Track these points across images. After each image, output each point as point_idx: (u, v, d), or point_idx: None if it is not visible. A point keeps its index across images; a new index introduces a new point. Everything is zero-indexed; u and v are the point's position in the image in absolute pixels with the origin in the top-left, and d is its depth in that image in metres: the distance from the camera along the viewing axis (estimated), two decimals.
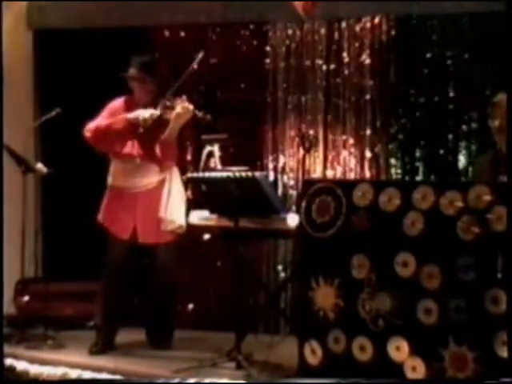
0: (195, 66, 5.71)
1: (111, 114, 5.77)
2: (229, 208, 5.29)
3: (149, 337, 5.96)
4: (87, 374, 5.25)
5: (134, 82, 5.78)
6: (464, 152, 6.17)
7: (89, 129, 5.71)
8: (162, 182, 5.73)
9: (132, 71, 5.76)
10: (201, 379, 4.90)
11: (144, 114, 5.64)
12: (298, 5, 5.89)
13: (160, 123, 5.64)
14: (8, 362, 5.42)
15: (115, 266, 5.73)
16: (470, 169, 6.12)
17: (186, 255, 6.64)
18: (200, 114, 5.62)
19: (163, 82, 5.80)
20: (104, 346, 5.70)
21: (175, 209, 5.69)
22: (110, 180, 5.83)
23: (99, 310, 5.86)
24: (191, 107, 5.59)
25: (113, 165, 5.82)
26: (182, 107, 5.56)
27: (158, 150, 5.67)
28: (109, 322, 5.79)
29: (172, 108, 5.60)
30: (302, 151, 6.52)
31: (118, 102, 5.84)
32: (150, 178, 5.73)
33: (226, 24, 6.70)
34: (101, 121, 5.74)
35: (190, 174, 5.65)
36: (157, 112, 5.62)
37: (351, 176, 6.39)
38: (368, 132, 6.39)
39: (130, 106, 5.80)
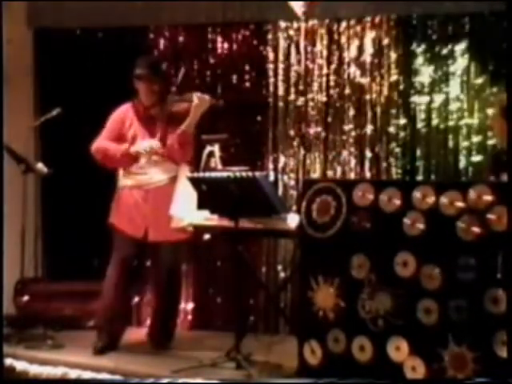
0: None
1: (118, 122, 5.78)
2: (229, 208, 5.28)
3: (149, 336, 5.95)
4: (87, 374, 5.25)
5: (140, 82, 5.78)
6: (464, 152, 6.17)
7: (97, 149, 5.75)
8: (172, 179, 5.73)
9: (139, 71, 5.76)
10: (199, 379, 4.91)
11: (146, 146, 5.68)
12: (297, 4, 5.89)
13: (173, 118, 5.66)
14: (8, 362, 5.42)
15: (125, 265, 5.71)
16: (471, 169, 6.13)
17: (187, 255, 6.65)
18: (219, 101, 5.68)
19: (168, 83, 5.82)
20: (108, 346, 5.68)
21: (186, 206, 5.68)
22: (120, 179, 5.84)
23: (104, 309, 5.82)
24: (208, 97, 5.64)
25: None
26: (199, 98, 5.60)
27: (175, 144, 5.67)
28: (115, 321, 5.77)
29: (187, 101, 5.62)
30: (302, 151, 6.54)
31: (124, 110, 5.84)
32: (162, 175, 5.74)
33: (225, 24, 6.70)
34: (106, 140, 5.76)
35: (189, 174, 5.66)
36: (158, 143, 5.67)
37: (351, 176, 6.39)
38: (368, 132, 6.39)
39: (138, 110, 5.81)
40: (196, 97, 5.62)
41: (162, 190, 5.71)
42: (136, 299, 6.58)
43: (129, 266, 5.74)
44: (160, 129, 5.70)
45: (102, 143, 5.77)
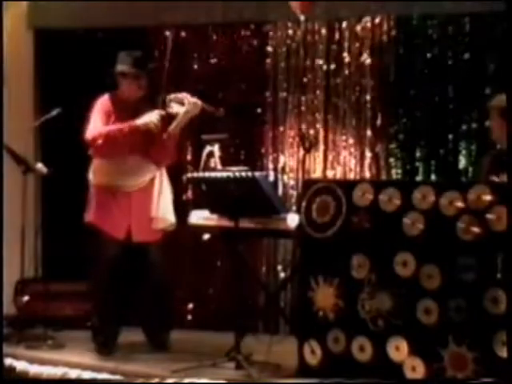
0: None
1: (105, 113, 5.71)
2: (229, 208, 5.28)
3: (146, 334, 5.92)
4: (87, 374, 5.25)
5: (125, 79, 5.72)
6: (464, 152, 6.17)
7: (98, 134, 5.61)
8: (152, 180, 5.70)
9: (124, 67, 5.70)
10: (199, 379, 4.91)
11: (152, 118, 5.58)
12: (295, 4, 5.89)
13: (165, 119, 5.64)
14: (8, 361, 5.42)
15: (110, 266, 5.68)
16: (471, 169, 6.13)
17: (186, 255, 6.65)
18: (211, 108, 5.62)
19: (153, 78, 5.77)
20: (107, 346, 5.68)
21: (167, 207, 5.68)
22: (97, 179, 5.75)
23: (95, 311, 5.80)
24: (200, 102, 5.59)
25: (101, 163, 5.73)
26: (190, 104, 5.56)
27: (161, 146, 5.64)
28: (108, 323, 5.76)
29: (178, 103, 5.59)
30: (302, 151, 6.53)
31: (105, 103, 5.76)
32: (144, 177, 5.69)
33: (226, 24, 6.70)
34: (101, 125, 5.64)
35: (190, 174, 5.65)
36: (162, 112, 5.59)
37: (351, 176, 6.39)
38: (368, 132, 6.39)
39: (116, 104, 5.74)
40: (187, 102, 5.56)
41: (144, 191, 5.67)
42: (133, 299, 6.56)
43: (114, 267, 5.69)
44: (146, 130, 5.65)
45: (99, 128, 5.62)
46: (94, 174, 5.78)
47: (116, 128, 5.61)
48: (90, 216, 5.78)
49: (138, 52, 5.78)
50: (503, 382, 4.30)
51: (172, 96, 5.62)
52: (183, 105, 5.58)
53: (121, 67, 5.73)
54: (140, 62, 5.74)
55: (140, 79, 5.72)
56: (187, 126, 5.71)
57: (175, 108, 5.61)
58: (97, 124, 5.68)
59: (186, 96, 5.61)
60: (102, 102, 5.76)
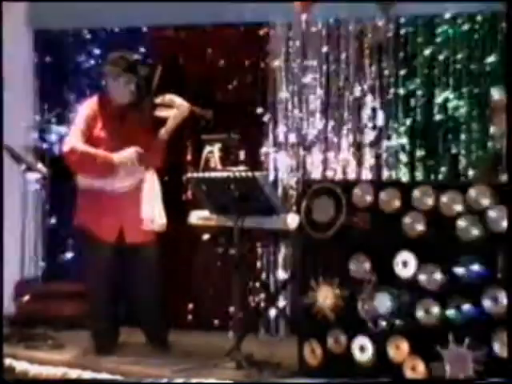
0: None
1: (90, 118, 5.66)
2: (229, 208, 5.29)
3: (146, 334, 5.91)
4: (87, 374, 5.25)
5: (115, 82, 5.68)
6: (464, 152, 6.17)
7: (72, 150, 5.56)
8: (141, 182, 5.67)
9: (116, 70, 5.65)
10: (207, 379, 4.91)
11: (128, 155, 5.54)
12: (295, 4, 5.89)
13: (153, 122, 5.62)
14: (8, 362, 5.41)
15: (103, 269, 5.65)
16: (470, 169, 6.13)
17: (186, 255, 6.65)
18: (199, 110, 5.60)
19: (146, 82, 5.75)
20: (106, 347, 5.68)
21: (157, 208, 5.66)
22: (85, 181, 5.72)
23: (92, 313, 5.79)
24: (188, 105, 5.57)
25: None
26: (179, 106, 5.54)
27: (151, 150, 5.63)
28: (106, 324, 5.76)
29: (167, 106, 5.57)
30: (302, 151, 6.54)
31: (91, 104, 5.72)
32: (133, 179, 5.67)
33: (225, 24, 6.69)
34: (81, 142, 5.57)
35: (190, 174, 5.65)
36: (139, 149, 5.55)
37: (351, 176, 6.39)
38: (368, 132, 6.39)
39: (104, 106, 5.70)
40: (176, 105, 5.54)
41: (134, 193, 5.63)
42: (126, 299, 6.55)
43: (107, 269, 5.67)
44: (140, 133, 5.63)
45: (78, 145, 5.57)
46: (81, 176, 5.77)
47: (92, 152, 5.56)
48: (79, 219, 5.76)
49: (130, 55, 5.73)
50: (504, 381, 4.31)
51: (160, 99, 5.59)
52: (171, 108, 5.56)
53: (112, 69, 5.68)
54: (133, 67, 5.68)
55: (130, 84, 5.69)
56: (179, 127, 5.70)
57: (163, 111, 5.59)
58: (77, 135, 5.62)
59: (173, 99, 5.59)
60: (87, 108, 5.72)
